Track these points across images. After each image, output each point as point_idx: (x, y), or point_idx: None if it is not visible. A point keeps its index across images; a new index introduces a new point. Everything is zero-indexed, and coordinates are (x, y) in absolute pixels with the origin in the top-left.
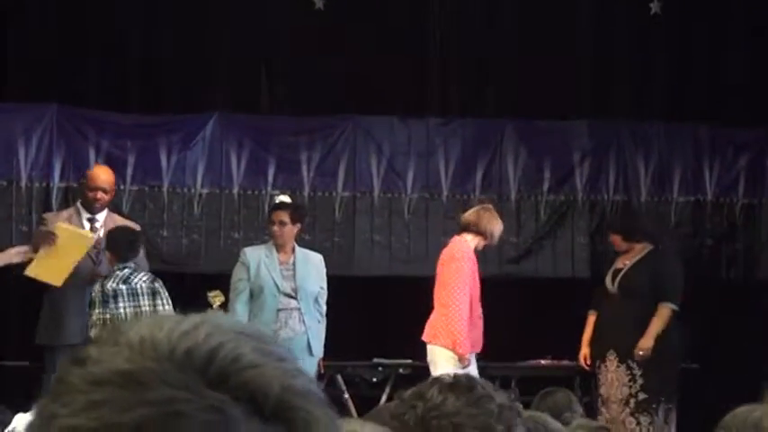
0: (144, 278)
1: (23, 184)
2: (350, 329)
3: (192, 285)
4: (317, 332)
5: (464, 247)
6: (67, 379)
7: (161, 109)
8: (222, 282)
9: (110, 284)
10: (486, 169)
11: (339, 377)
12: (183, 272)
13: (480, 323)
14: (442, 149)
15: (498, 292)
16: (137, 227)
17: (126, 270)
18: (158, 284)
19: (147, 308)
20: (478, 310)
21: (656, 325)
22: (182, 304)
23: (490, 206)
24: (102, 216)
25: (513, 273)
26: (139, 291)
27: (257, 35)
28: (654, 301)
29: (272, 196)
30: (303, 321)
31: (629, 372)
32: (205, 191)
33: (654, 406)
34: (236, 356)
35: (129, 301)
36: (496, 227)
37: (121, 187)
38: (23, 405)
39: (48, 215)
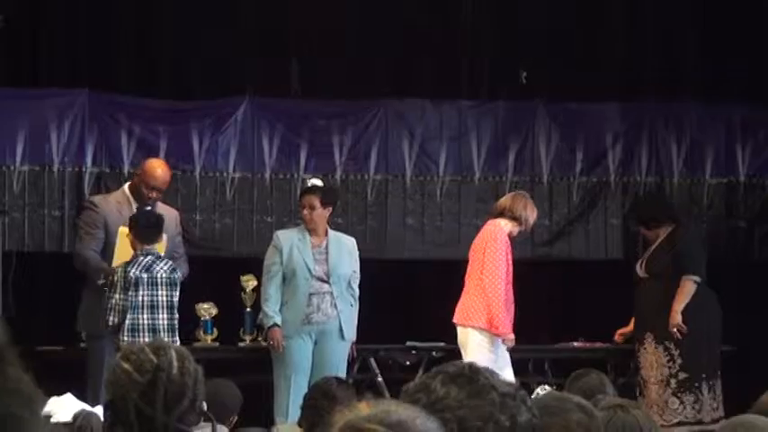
0: (165, 268)
1: (56, 168)
2: (382, 313)
3: (225, 269)
4: (349, 316)
5: (499, 231)
6: None
7: (192, 94)
8: (255, 265)
9: (133, 271)
10: (519, 152)
11: (372, 360)
12: (216, 256)
13: (512, 308)
14: (475, 132)
15: (531, 275)
16: (177, 212)
17: (149, 257)
18: (176, 275)
19: (164, 298)
20: (511, 296)
21: (680, 299)
22: (215, 288)
23: (525, 193)
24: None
25: (546, 255)
26: (159, 281)
27: (288, 19)
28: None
29: (304, 180)
30: (335, 305)
31: (666, 352)
32: (237, 175)
33: (696, 384)
34: None
35: (147, 290)
36: (531, 214)
37: None
38: (57, 390)
39: (95, 198)
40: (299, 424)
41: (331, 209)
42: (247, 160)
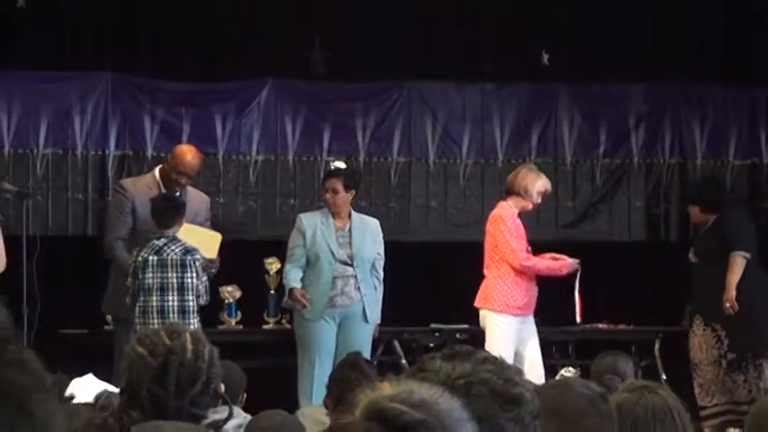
0: (177, 250)
1: (79, 152)
2: (406, 295)
3: (249, 252)
4: (372, 299)
5: (504, 209)
6: None
7: (215, 76)
8: (279, 248)
9: (143, 254)
10: (542, 134)
11: (396, 343)
12: (240, 239)
13: (534, 287)
14: (497, 114)
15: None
16: (208, 199)
17: (162, 240)
18: (190, 257)
19: (175, 280)
20: (532, 275)
21: (732, 274)
22: (238, 271)
23: (529, 165)
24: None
25: (570, 237)
26: (169, 263)
27: (311, 2)
28: (725, 262)
29: (327, 162)
30: (359, 289)
31: (714, 334)
32: (260, 158)
33: (744, 363)
34: None
35: (156, 272)
36: (531, 182)
37: None
38: (82, 373)
39: (125, 182)
40: (324, 403)
41: (354, 192)
42: (270, 143)
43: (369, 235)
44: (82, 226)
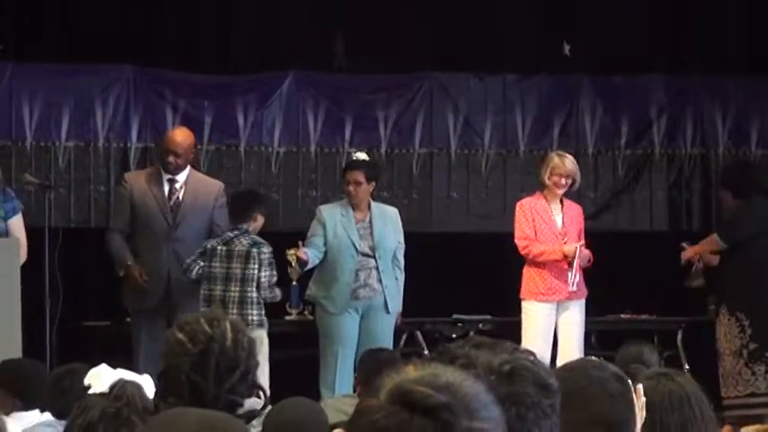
0: (244, 242)
1: (101, 144)
2: (428, 286)
3: (271, 244)
4: (394, 290)
5: (524, 198)
6: None
7: (236, 68)
8: (300, 239)
9: (213, 242)
10: (563, 125)
11: (418, 334)
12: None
13: (554, 272)
14: (519, 105)
15: None
16: (221, 185)
17: (235, 232)
18: (256, 250)
19: (237, 270)
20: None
21: (701, 245)
22: None
23: (556, 152)
24: (182, 176)
25: (592, 227)
26: (235, 253)
27: None
28: (752, 250)
29: (348, 154)
30: (380, 280)
31: (738, 323)
32: (282, 149)
33: (766, 354)
34: None
35: (223, 261)
36: (545, 169)
37: (199, 147)
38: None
39: (128, 174)
40: (355, 389)
41: (375, 183)
42: (292, 135)
43: (389, 224)
44: (104, 218)
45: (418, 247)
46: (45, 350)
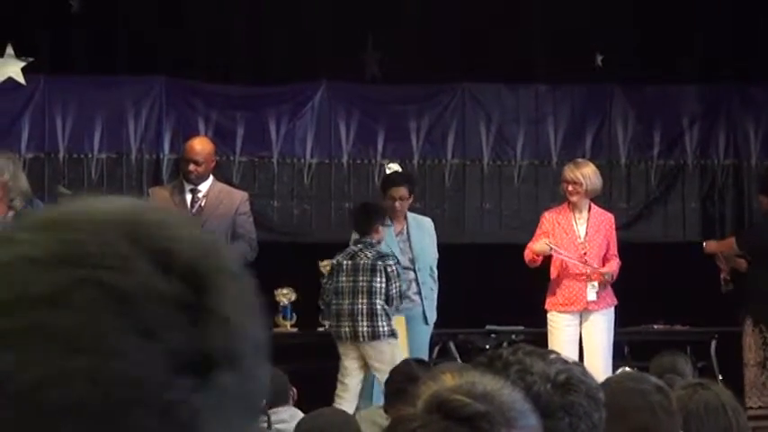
0: (369, 255)
1: (133, 156)
2: (461, 297)
3: (304, 255)
4: (431, 301)
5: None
6: (10, 226)
7: (269, 79)
8: (333, 251)
9: (339, 257)
10: (596, 135)
11: (451, 344)
12: (295, 242)
13: (570, 281)
14: (551, 116)
15: None
16: (245, 195)
17: (358, 245)
18: (381, 263)
19: (363, 284)
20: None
21: (720, 243)
22: (293, 274)
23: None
24: (205, 186)
25: (624, 238)
26: (360, 267)
27: (364, 4)
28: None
29: (381, 165)
30: (419, 292)
31: (761, 335)
32: (314, 161)
33: None
34: (164, 225)
35: (349, 275)
36: (563, 179)
37: (231, 158)
38: None
39: (152, 190)
40: (385, 410)
41: (413, 196)
42: (324, 146)
43: (426, 236)
44: None
45: (451, 258)
46: None
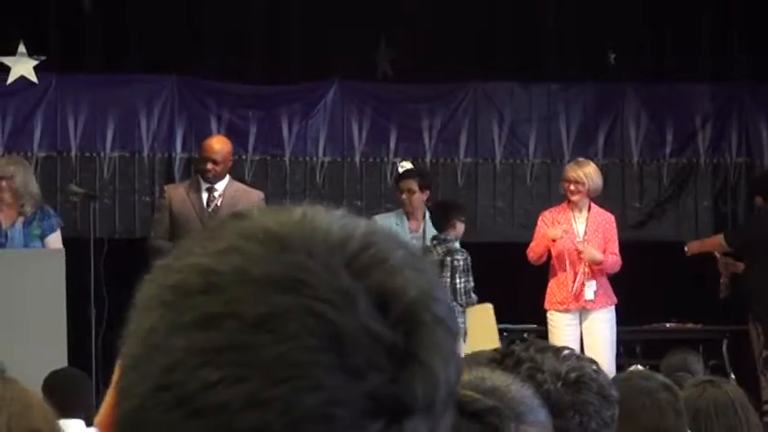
0: (440, 251)
1: (145, 155)
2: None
3: None
4: None
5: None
6: (218, 228)
7: (281, 78)
8: None
9: None
10: (608, 134)
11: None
12: None
13: (564, 279)
14: (564, 115)
15: (622, 257)
16: (260, 194)
17: (433, 242)
18: (450, 258)
19: None
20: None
21: (703, 242)
22: None
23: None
24: (221, 185)
25: (637, 237)
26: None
27: (377, 3)
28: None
29: (393, 164)
30: None
31: (757, 332)
32: (327, 159)
33: None
34: (384, 257)
35: None
36: (563, 178)
37: (243, 157)
38: None
39: (168, 187)
40: None
41: (428, 192)
42: (337, 145)
43: None
44: (149, 228)
45: None
46: (90, 360)
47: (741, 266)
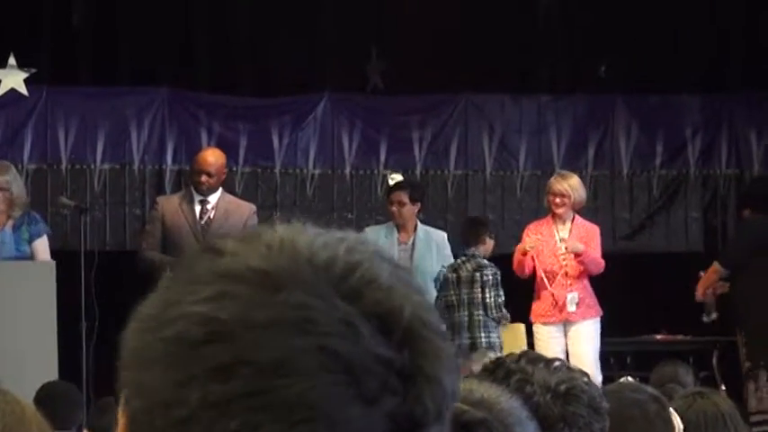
0: (469, 267)
1: (136, 167)
2: None
3: None
4: None
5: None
6: (197, 267)
7: (271, 90)
8: None
9: (443, 272)
10: (598, 145)
11: None
12: None
13: (546, 292)
14: (554, 126)
15: (612, 268)
16: (252, 207)
17: (462, 258)
18: (479, 273)
19: (464, 296)
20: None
21: (702, 279)
22: None
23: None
24: (214, 197)
25: (627, 248)
26: (462, 279)
27: (367, 16)
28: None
29: (384, 176)
30: None
31: (741, 342)
32: (317, 171)
33: (754, 371)
34: (372, 276)
35: (454, 288)
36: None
37: (234, 169)
38: None
39: (160, 199)
40: None
41: (419, 204)
42: (327, 157)
43: (434, 247)
44: (139, 241)
45: None
46: (81, 373)
47: (726, 286)
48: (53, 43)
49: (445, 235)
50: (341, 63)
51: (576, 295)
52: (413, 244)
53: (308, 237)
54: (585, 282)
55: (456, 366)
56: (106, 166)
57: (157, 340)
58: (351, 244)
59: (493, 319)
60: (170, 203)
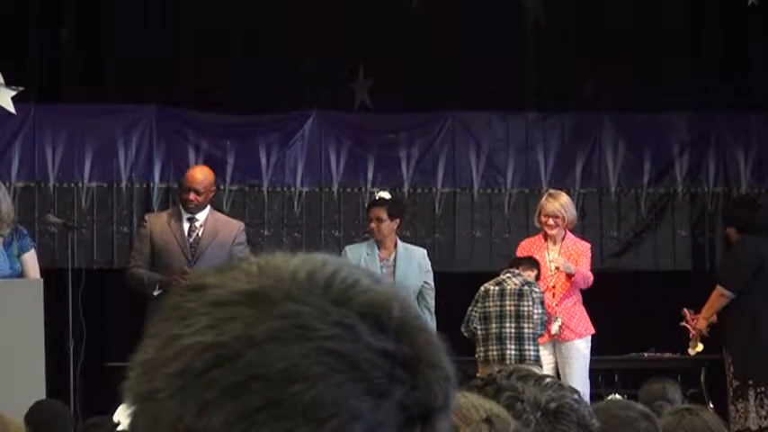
0: (517, 281)
1: (124, 185)
2: (452, 325)
3: None
4: None
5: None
6: (185, 304)
7: (259, 108)
8: None
9: (486, 285)
10: (586, 163)
11: None
12: None
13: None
14: (541, 144)
15: (600, 286)
16: (241, 225)
17: (507, 274)
18: (528, 288)
19: (511, 308)
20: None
21: (706, 308)
22: None
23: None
24: (202, 215)
25: (615, 266)
26: (507, 292)
27: (355, 33)
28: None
29: (371, 194)
30: None
31: (727, 361)
32: (305, 189)
33: (742, 391)
34: (354, 281)
35: (496, 300)
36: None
37: (221, 187)
38: None
39: (149, 216)
40: None
41: (399, 221)
42: (315, 174)
43: (414, 264)
44: (127, 259)
45: (442, 286)
46: (69, 390)
47: (704, 324)
48: (41, 60)
49: (425, 251)
50: (328, 81)
51: (559, 319)
52: (394, 260)
53: (283, 258)
54: (577, 299)
55: (448, 351)
56: (94, 184)
57: (164, 377)
58: (324, 258)
59: (538, 334)
60: (159, 221)
